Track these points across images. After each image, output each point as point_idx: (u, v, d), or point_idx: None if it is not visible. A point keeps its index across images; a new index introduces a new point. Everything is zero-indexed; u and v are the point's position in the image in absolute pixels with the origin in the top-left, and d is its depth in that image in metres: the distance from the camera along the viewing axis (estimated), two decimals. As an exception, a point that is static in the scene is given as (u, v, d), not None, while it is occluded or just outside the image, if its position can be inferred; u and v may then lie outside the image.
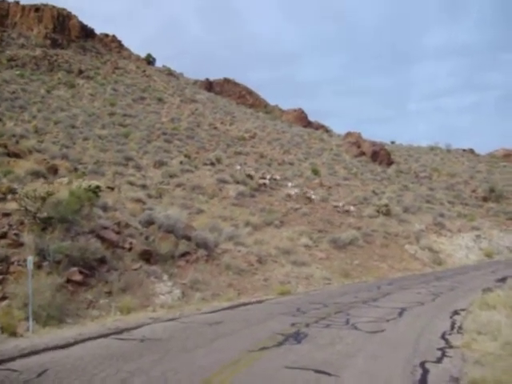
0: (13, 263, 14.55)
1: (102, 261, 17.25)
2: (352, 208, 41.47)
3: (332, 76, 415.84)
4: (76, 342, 10.84)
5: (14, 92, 58.91)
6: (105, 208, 21.49)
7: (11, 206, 17.56)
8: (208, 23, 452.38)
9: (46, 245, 15.40)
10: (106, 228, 19.16)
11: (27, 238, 15.65)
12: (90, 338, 11.26)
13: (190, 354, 9.67)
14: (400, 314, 14.61)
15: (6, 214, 16.65)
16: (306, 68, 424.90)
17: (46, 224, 16.60)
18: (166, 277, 19.03)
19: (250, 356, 9.53)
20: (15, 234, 15.69)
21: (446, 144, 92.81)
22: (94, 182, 21.59)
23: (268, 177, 44.14)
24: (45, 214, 16.71)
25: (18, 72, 67.90)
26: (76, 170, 33.82)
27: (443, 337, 11.38)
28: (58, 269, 15.13)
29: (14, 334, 11.80)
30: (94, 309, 15.04)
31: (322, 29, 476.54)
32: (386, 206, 42.58)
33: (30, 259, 12.74)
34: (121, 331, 12.14)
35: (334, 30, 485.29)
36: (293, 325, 12.71)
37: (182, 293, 18.46)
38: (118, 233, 19.60)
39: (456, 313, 14.96)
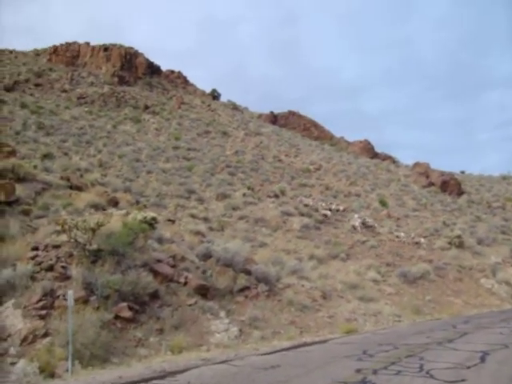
0: (58, 297, 13.77)
1: (155, 296, 16.31)
2: (422, 240, 39.48)
3: (399, 107, 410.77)
4: (112, 388, 9.79)
5: (81, 128, 60.26)
6: (160, 240, 20.65)
7: (63, 237, 16.93)
8: (274, 58, 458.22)
9: (95, 278, 14.63)
10: (160, 261, 18.28)
11: (75, 270, 14.92)
12: (128, 383, 10.17)
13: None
14: (482, 359, 12.69)
15: (56, 246, 16.04)
16: (372, 99, 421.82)
17: (95, 256, 15.85)
18: (222, 313, 17.89)
19: (306, 411, 8.15)
20: (62, 267, 14.96)
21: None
22: (150, 214, 20.83)
23: (332, 207, 42.73)
24: (95, 246, 15.99)
25: (86, 109, 69.70)
26: (137, 202, 33.57)
27: (537, 390, 9.63)
28: (107, 304, 14.30)
29: (52, 375, 10.95)
30: (142, 347, 14.04)
31: (388, 59, 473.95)
32: (459, 237, 40.28)
33: (71, 293, 11.90)
34: (165, 375, 10.98)
35: (400, 60, 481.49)
36: (358, 371, 11.17)
37: (239, 331, 17.25)
38: (173, 266, 18.67)
39: (549, 359, 12.97)
